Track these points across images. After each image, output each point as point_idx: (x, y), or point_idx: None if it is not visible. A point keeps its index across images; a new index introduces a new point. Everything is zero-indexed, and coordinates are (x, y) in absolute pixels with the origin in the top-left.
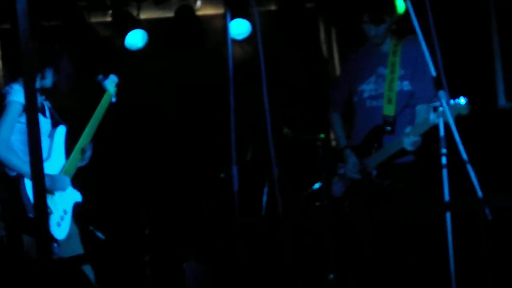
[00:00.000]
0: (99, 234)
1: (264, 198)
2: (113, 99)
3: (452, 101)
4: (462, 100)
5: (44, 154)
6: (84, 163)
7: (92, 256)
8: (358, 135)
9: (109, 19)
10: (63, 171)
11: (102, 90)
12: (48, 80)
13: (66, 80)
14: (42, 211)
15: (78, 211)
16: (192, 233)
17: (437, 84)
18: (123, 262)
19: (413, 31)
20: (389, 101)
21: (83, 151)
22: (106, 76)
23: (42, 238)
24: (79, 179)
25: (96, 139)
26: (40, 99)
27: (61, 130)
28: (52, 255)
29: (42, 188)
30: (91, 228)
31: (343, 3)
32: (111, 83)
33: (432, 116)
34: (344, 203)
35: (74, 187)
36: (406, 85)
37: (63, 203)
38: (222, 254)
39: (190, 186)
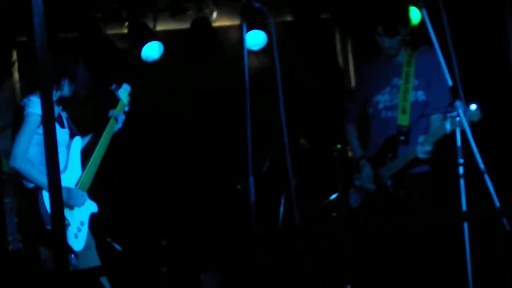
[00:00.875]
0: (116, 246)
1: (281, 209)
2: (127, 108)
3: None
4: (472, 106)
5: (62, 165)
6: (118, 127)
7: (109, 267)
8: (373, 146)
9: (125, 31)
10: (80, 183)
11: (116, 100)
12: (65, 90)
13: (83, 86)
14: (60, 222)
15: (95, 222)
16: (209, 245)
17: (454, 94)
18: (140, 274)
19: (427, 42)
20: (404, 111)
21: (115, 119)
22: (119, 86)
23: (60, 250)
24: (95, 190)
25: (112, 150)
26: (57, 109)
27: (77, 141)
28: (70, 267)
29: (60, 200)
30: (108, 239)
31: (359, 14)
32: (124, 92)
33: (448, 126)
34: (360, 214)
35: (90, 198)
36: (421, 95)
37: (80, 215)
38: (240, 264)
39: (207, 197)
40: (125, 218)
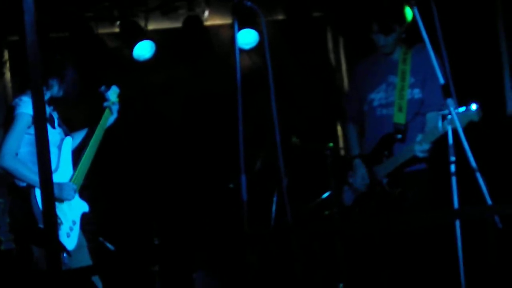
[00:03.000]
0: (109, 245)
1: (273, 208)
2: (116, 107)
3: (463, 108)
4: (473, 106)
5: (53, 165)
6: (114, 117)
7: (102, 267)
8: (368, 144)
9: (116, 30)
10: (73, 178)
11: (106, 101)
12: (54, 89)
13: (73, 88)
14: (52, 221)
15: (86, 222)
16: (202, 243)
17: (446, 92)
18: (132, 273)
19: (422, 39)
20: (400, 109)
21: (110, 110)
22: (108, 87)
23: (52, 249)
24: (88, 190)
25: (104, 149)
26: (48, 109)
27: (68, 141)
28: (62, 266)
29: (51, 198)
30: (100, 239)
31: (351, 12)
32: (113, 94)
33: (440, 124)
34: (354, 212)
35: (82, 197)
36: (417, 93)
37: (72, 214)
38: (232, 264)
39: (199, 196)
40: (117, 217)
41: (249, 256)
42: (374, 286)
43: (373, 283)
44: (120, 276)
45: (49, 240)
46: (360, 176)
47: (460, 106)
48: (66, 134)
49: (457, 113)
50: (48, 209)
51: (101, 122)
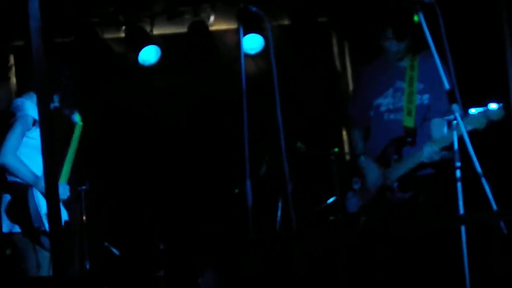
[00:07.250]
0: (114, 250)
1: (278, 213)
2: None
3: (480, 109)
4: (492, 105)
5: (40, 169)
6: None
7: (108, 271)
8: (375, 149)
9: (122, 35)
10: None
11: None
12: (53, 104)
13: (68, 100)
14: (57, 223)
15: (92, 227)
16: (207, 248)
17: (451, 97)
18: (138, 278)
19: (426, 45)
20: (409, 113)
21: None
22: (70, 111)
23: (57, 251)
24: (94, 195)
25: (109, 154)
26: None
27: None
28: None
29: (56, 200)
30: (106, 244)
31: (358, 18)
32: (77, 117)
33: (447, 130)
34: (359, 218)
35: (87, 202)
36: (426, 99)
37: None
38: (237, 269)
39: (205, 201)
40: (123, 223)
41: (253, 261)
42: None
43: None
44: (126, 281)
45: (53, 242)
46: (372, 171)
47: (477, 106)
48: None
49: (474, 114)
50: (53, 211)
51: (74, 136)
